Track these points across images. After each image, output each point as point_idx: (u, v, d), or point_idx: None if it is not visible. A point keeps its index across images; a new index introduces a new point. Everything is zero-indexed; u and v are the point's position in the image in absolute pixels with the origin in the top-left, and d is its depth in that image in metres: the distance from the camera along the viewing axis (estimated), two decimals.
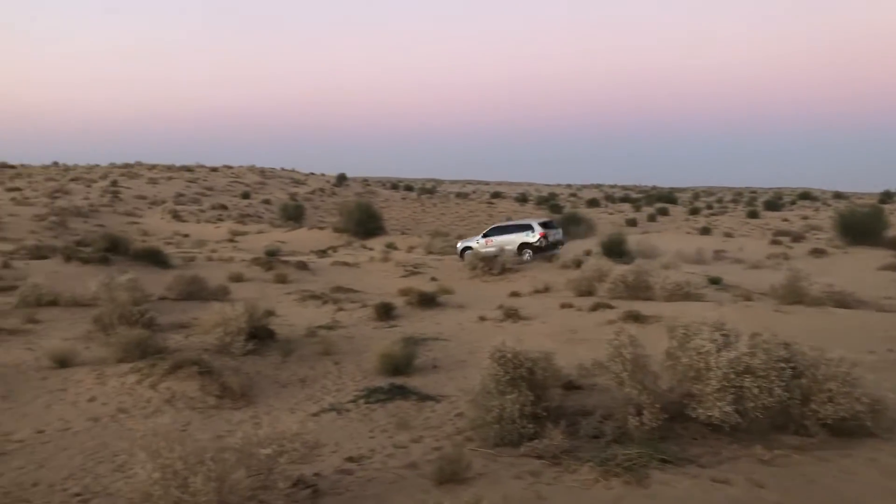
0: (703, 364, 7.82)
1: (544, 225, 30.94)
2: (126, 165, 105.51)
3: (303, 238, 46.91)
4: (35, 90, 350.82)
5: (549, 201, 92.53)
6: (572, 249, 32.49)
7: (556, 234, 31.29)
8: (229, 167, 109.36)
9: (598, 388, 9.69)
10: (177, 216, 57.22)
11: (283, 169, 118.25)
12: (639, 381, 7.94)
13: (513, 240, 30.27)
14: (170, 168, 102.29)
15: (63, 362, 11.70)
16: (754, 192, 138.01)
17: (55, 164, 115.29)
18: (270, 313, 15.46)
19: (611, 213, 78.53)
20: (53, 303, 17.76)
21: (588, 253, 29.94)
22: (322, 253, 37.31)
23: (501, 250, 29.19)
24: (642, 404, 7.77)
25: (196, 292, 20.18)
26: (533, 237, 29.66)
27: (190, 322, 16.10)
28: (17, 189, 68.69)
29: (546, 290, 21.50)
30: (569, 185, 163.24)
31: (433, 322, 16.81)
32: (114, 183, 74.69)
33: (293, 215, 58.83)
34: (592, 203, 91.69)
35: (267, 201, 76.81)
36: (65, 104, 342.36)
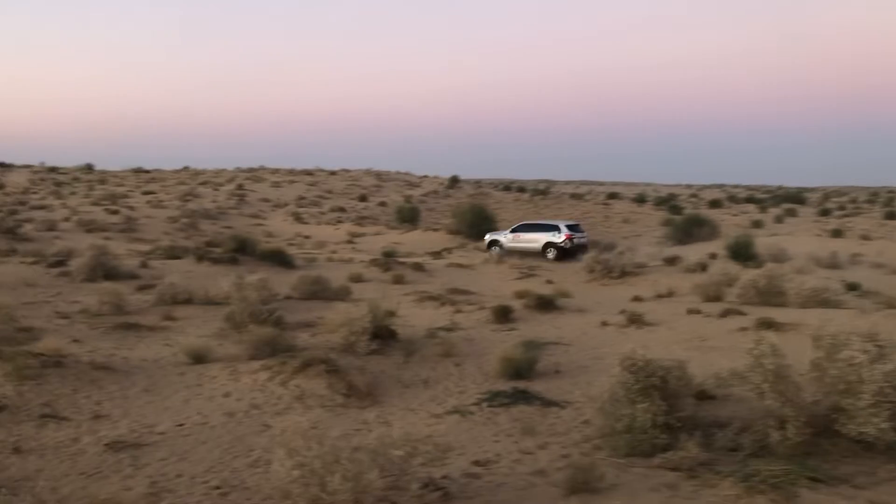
0: (854, 377, 7.28)
1: (571, 228, 32.20)
2: (251, 170, 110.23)
3: (417, 240, 47.52)
4: (167, 97, 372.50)
5: (668, 202, 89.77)
6: (694, 252, 31.41)
7: (582, 238, 32.37)
8: (347, 171, 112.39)
9: (733, 398, 9.23)
10: (298, 218, 59.23)
11: (397, 172, 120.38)
12: (781, 393, 7.50)
13: (539, 238, 31.74)
14: (291, 172, 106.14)
15: (199, 358, 12.23)
16: (893, 191, 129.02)
17: (186, 168, 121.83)
18: (391, 314, 15.65)
19: (735, 215, 75.41)
20: (188, 301, 18.69)
21: (713, 256, 28.84)
22: (436, 254, 37.63)
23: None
24: (785, 417, 7.33)
25: (319, 292, 20.75)
26: (559, 238, 31.20)
27: (315, 321, 16.54)
28: (152, 193, 73.00)
29: (670, 294, 20.83)
30: (689, 186, 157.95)
31: (553, 326, 16.56)
32: (240, 186, 78.12)
33: (408, 217, 59.69)
34: (715, 204, 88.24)
35: (383, 203, 78.33)
36: (194, 111, 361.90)
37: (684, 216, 57.61)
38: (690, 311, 17.19)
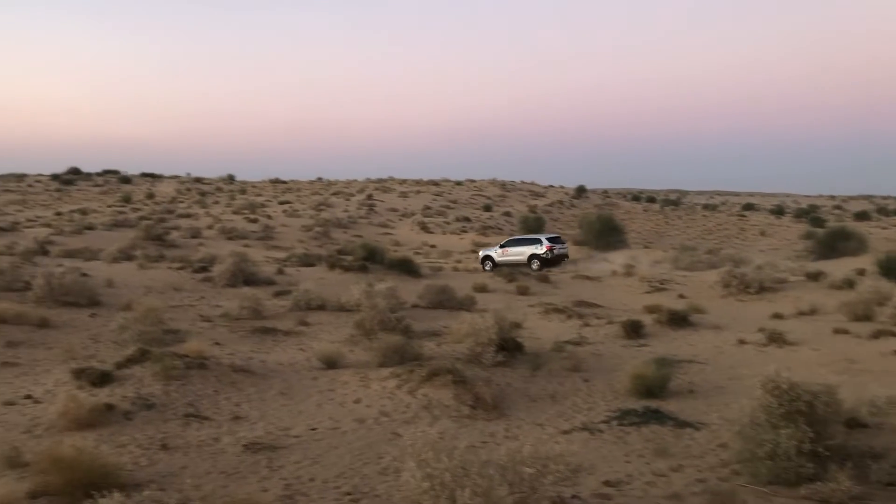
0: None
1: (551, 240, 35.84)
2: (380, 180, 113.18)
3: None
4: (302, 112, 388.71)
5: (808, 214, 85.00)
6: (840, 268, 29.49)
7: (562, 249, 35.77)
8: (472, 181, 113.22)
9: (889, 427, 8.54)
10: (424, 228, 60.17)
11: (522, 182, 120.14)
12: None
13: (524, 251, 34.72)
14: (418, 182, 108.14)
15: (331, 364, 12.59)
16: None
17: (319, 179, 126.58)
18: (517, 325, 15.55)
19: (884, 228, 70.47)
20: (321, 307, 19.31)
21: (861, 272, 26.95)
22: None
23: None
24: None
25: (445, 301, 20.95)
26: (541, 249, 34.34)
27: (441, 330, 16.68)
28: (288, 202, 76.25)
29: (813, 312, 19.60)
30: (832, 196, 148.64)
31: (686, 343, 15.95)
32: (369, 196, 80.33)
33: (533, 227, 59.37)
34: (861, 216, 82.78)
35: (507, 213, 78.35)
36: (328, 125, 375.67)
37: (827, 229, 54.21)
38: (837, 331, 16.12)
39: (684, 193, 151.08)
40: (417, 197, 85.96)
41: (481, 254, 36.50)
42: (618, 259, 37.15)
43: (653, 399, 10.90)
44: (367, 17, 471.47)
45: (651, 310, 19.82)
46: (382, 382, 11.17)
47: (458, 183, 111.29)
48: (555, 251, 34.66)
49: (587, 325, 18.01)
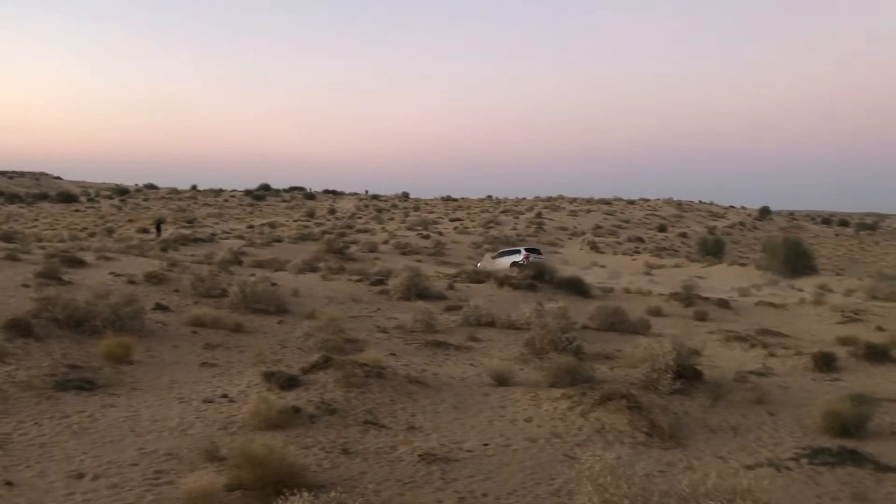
0: None
1: (529, 250, 42.66)
2: (549, 199, 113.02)
3: (722, 274, 45.01)
4: (474, 131, 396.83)
5: None
6: None
7: (539, 258, 40.61)
8: (646, 200, 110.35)
9: None
10: (595, 247, 59.28)
11: (700, 202, 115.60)
12: None
13: (508, 260, 40.65)
14: (589, 201, 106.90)
15: (502, 381, 12.63)
16: None
17: (489, 197, 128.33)
18: (696, 352, 14.88)
19: None
20: (491, 324, 19.47)
21: None
22: (744, 291, 35.26)
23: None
24: None
25: (617, 324, 20.45)
26: (519, 258, 40.55)
27: (613, 353, 16.30)
28: (458, 220, 77.81)
29: None
30: None
31: (887, 380, 14.56)
32: (538, 215, 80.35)
33: (712, 250, 56.87)
34: None
35: (683, 234, 75.58)
36: (498, 143, 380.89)
37: None
38: None
39: (882, 217, 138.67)
40: (587, 216, 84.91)
41: (482, 265, 41.60)
42: (806, 286, 34.78)
43: (848, 439, 10.03)
44: (533, 37, 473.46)
45: (845, 342, 18.28)
46: (554, 403, 11.06)
47: (631, 202, 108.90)
48: (530, 258, 40.45)
49: (772, 355, 16.91)
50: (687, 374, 12.59)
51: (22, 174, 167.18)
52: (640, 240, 67.69)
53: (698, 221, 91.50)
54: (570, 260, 52.14)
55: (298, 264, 31.94)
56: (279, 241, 49.97)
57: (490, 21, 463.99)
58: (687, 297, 27.39)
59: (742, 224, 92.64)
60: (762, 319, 24.13)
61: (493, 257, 42.84)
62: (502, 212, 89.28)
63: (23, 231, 54.03)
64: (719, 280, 41.46)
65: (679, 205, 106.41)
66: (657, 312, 24.36)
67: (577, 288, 27.99)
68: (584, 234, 68.38)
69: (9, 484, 7.06)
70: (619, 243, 64.15)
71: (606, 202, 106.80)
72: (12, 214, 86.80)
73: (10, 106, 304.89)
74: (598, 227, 75.05)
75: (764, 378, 14.02)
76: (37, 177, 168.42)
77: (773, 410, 11.66)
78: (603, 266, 49.34)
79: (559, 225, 74.31)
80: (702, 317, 24.03)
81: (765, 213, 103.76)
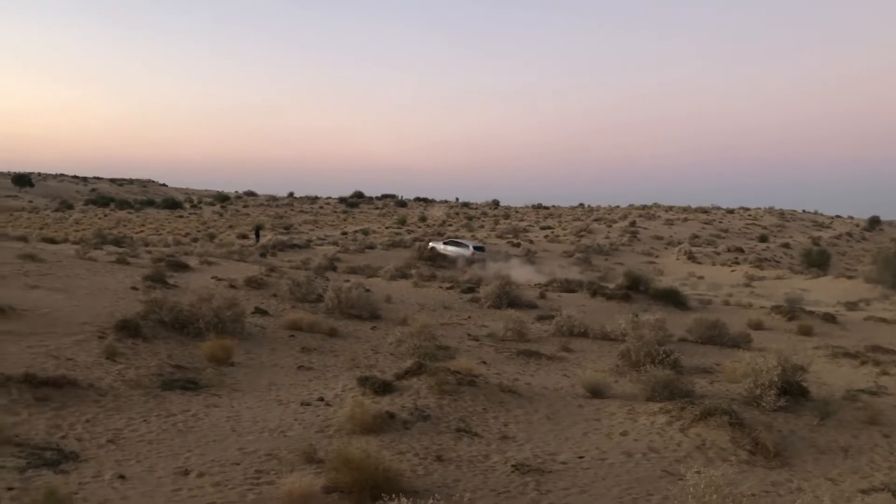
0: None
1: (476, 248, 48.48)
2: (644, 207, 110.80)
3: (827, 287, 42.95)
4: (564, 138, 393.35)
5: None
6: None
7: (481, 255, 47.15)
8: (746, 209, 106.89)
9: None
10: (692, 257, 57.67)
11: (804, 211, 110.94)
12: None
13: (458, 251, 47.21)
14: (685, 210, 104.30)
15: (596, 393, 12.40)
16: None
17: (581, 205, 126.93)
18: (801, 368, 14.21)
19: None
20: (584, 334, 19.18)
21: None
22: (851, 305, 33.54)
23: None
24: None
25: (716, 337, 19.79)
26: (467, 253, 46.80)
27: (713, 368, 15.79)
28: (549, 228, 77.21)
29: None
30: None
31: None
32: (632, 223, 78.80)
33: (816, 261, 54.36)
34: None
35: (786, 245, 72.61)
36: (590, 151, 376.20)
37: None
38: None
39: None
40: (684, 225, 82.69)
41: (432, 245, 49.19)
42: None
43: None
44: (627, 40, 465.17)
45: None
46: (651, 417, 10.77)
47: (730, 211, 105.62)
48: (475, 256, 46.60)
49: (885, 373, 15.98)
50: (792, 391, 12.04)
51: (130, 181, 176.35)
52: (740, 250, 65.30)
53: (802, 231, 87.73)
54: (666, 270, 50.90)
55: (390, 271, 32.39)
56: (372, 247, 50.78)
57: (580, 26, 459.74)
58: (790, 310, 26.27)
59: (849, 235, 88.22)
60: (872, 335, 22.88)
61: (444, 243, 50.46)
62: (595, 220, 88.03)
63: (131, 235, 56.82)
64: (824, 293, 39.56)
65: (781, 214, 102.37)
66: (758, 326, 23.49)
67: (673, 299, 27.28)
68: (680, 243, 66.55)
69: (121, 477, 7.38)
70: (718, 253, 62.11)
71: (704, 211, 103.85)
72: (121, 220, 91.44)
73: (120, 116, 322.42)
74: (696, 236, 72.95)
75: (876, 397, 13.24)
76: (144, 184, 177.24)
77: (887, 432, 10.99)
78: (700, 277, 47.93)
79: (654, 234, 72.59)
80: (806, 331, 23.00)
81: (874, 223, 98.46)
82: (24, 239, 35.11)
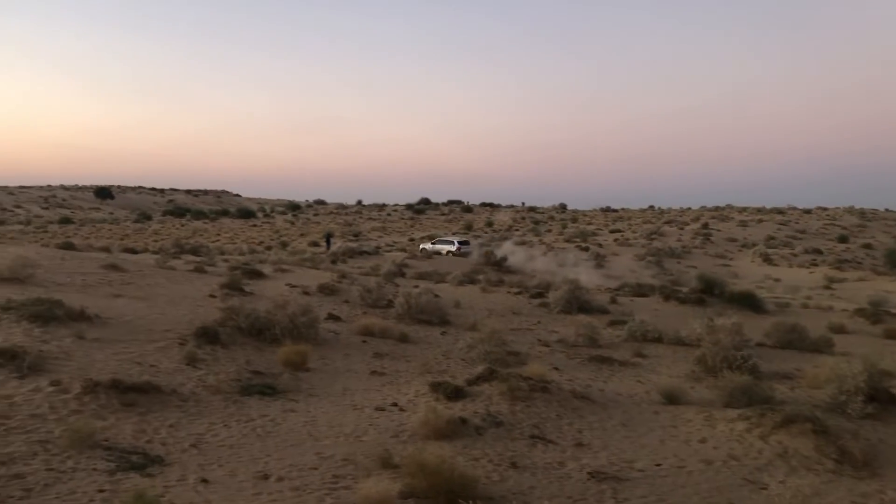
0: None
1: (461, 242, 53.31)
2: (717, 208, 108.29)
3: None
4: (633, 140, 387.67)
5: None
6: None
7: (466, 248, 52.04)
8: (824, 209, 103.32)
9: None
10: (767, 259, 56.04)
11: (886, 210, 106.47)
12: None
13: (444, 248, 52.40)
14: (760, 210, 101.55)
15: (672, 399, 12.16)
16: None
17: (651, 207, 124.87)
18: (890, 374, 13.64)
19: None
20: (657, 339, 18.84)
21: None
22: None
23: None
24: None
25: (795, 341, 19.21)
26: (453, 248, 51.72)
27: (793, 373, 15.31)
28: (619, 231, 76.15)
29: None
30: None
31: None
32: (705, 225, 77.06)
33: None
34: None
35: (868, 245, 69.77)
36: (660, 152, 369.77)
37: None
38: None
39: None
40: (759, 226, 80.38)
41: (426, 246, 55.19)
42: None
43: None
44: (698, 38, 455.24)
45: None
46: (730, 424, 10.49)
47: (807, 211, 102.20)
48: (461, 250, 51.40)
49: None
50: (880, 398, 11.56)
51: (206, 192, 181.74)
52: (819, 251, 63.07)
53: (885, 231, 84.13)
54: (741, 273, 49.60)
55: (458, 276, 32.48)
56: (439, 253, 51.04)
57: (646, 27, 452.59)
58: (874, 313, 25.31)
59: None
60: None
61: (432, 243, 55.24)
62: (666, 222, 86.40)
63: (207, 245, 58.49)
64: None
65: (862, 213, 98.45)
66: (840, 330, 22.68)
67: (749, 302, 26.57)
68: (755, 245, 64.69)
69: (204, 481, 7.61)
70: (795, 255, 60.11)
71: (780, 211, 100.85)
72: (198, 230, 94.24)
73: (196, 130, 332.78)
74: (771, 237, 70.81)
75: None
76: (218, 194, 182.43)
77: None
78: (777, 279, 46.52)
79: (728, 236, 70.78)
80: (893, 335, 22.07)
81: None
82: (107, 249, 36.58)
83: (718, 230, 74.56)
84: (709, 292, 27.29)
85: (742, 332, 18.51)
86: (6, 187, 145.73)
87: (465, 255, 50.87)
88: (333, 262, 41.67)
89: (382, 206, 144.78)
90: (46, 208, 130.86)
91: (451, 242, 53.46)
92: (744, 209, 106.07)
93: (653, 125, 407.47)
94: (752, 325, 21.76)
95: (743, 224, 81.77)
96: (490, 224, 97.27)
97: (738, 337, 17.64)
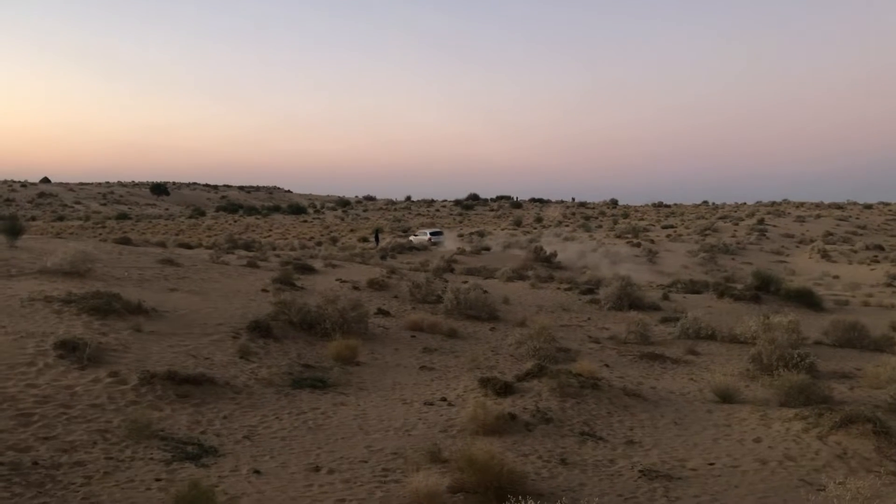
0: None
1: (433, 233, 57.60)
2: (773, 204, 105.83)
3: None
4: (685, 136, 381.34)
5: None
6: None
7: (438, 238, 56.24)
8: (886, 204, 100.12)
9: None
10: (826, 256, 54.56)
11: None
12: None
13: (421, 238, 55.59)
14: (818, 206, 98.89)
15: (726, 397, 11.93)
16: None
17: (705, 203, 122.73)
18: None
19: None
20: (711, 337, 18.51)
21: None
22: None
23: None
24: None
25: (855, 340, 18.69)
26: (425, 238, 55.43)
27: (853, 373, 14.89)
28: (672, 227, 74.95)
29: None
30: None
31: None
32: (760, 221, 75.31)
33: None
34: None
35: None
36: (712, 148, 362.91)
37: None
38: None
39: None
40: (817, 222, 78.24)
41: (411, 238, 57.38)
42: None
43: None
44: (750, 40, 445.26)
45: None
46: (786, 423, 10.25)
47: (868, 206, 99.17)
48: (432, 240, 54.85)
49: None
50: None
51: (258, 188, 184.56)
52: (880, 248, 61.01)
53: None
54: (798, 270, 48.37)
55: (507, 272, 32.37)
56: (487, 249, 50.91)
57: (699, 21, 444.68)
58: None
59: None
60: None
61: (415, 235, 58.66)
62: (720, 218, 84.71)
63: (260, 240, 59.38)
64: None
65: None
66: None
67: (807, 300, 25.93)
68: (813, 241, 62.97)
69: (257, 472, 7.73)
70: (855, 251, 58.31)
71: (839, 206, 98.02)
72: (250, 225, 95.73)
73: (247, 126, 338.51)
74: (830, 233, 68.83)
75: None
76: (270, 191, 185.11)
77: None
78: (836, 276, 45.23)
79: (784, 232, 69.01)
80: None
81: None
82: (162, 244, 37.42)
83: (774, 226, 72.73)
84: (764, 289, 26.71)
85: (799, 330, 18.11)
86: (67, 184, 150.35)
87: (437, 244, 54.41)
88: (382, 257, 41.93)
89: (431, 202, 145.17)
90: (105, 204, 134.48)
91: (426, 234, 58.43)
92: (801, 204, 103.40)
93: (708, 119, 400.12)
94: (810, 323, 21.23)
95: (800, 219, 79.68)
96: (539, 220, 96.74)
97: (795, 335, 17.28)
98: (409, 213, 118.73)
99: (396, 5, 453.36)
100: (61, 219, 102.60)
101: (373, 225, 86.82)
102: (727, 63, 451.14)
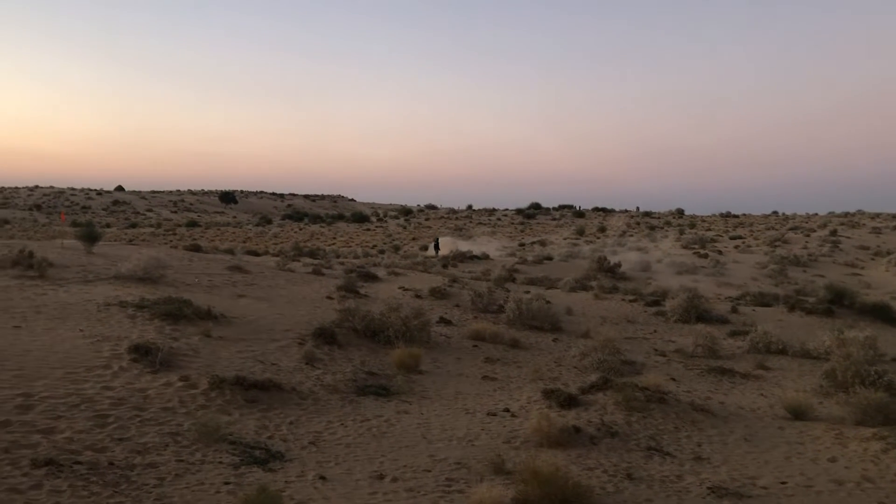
0: None
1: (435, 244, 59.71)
2: (846, 214, 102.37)
3: None
4: (754, 143, 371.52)
5: None
6: None
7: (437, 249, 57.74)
8: None
9: None
10: None
11: None
12: None
13: (431, 250, 59.14)
14: (895, 217, 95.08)
15: (798, 414, 11.55)
16: None
17: (775, 213, 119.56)
18: None
19: None
20: (782, 351, 17.98)
21: None
22: None
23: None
24: None
25: None
26: (431, 249, 59.28)
27: None
28: (740, 238, 73.20)
29: None
30: None
31: None
32: (833, 232, 72.92)
33: None
34: None
35: None
36: (783, 156, 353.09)
37: None
38: None
39: None
40: (894, 233, 75.32)
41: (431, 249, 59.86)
42: None
43: None
44: (822, 44, 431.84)
45: None
46: (864, 443, 9.86)
47: None
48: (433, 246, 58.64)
49: None
50: None
51: (322, 197, 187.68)
52: None
53: None
54: (874, 283, 46.52)
55: (570, 282, 32.07)
56: (549, 258, 50.51)
57: (772, 27, 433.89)
58: None
59: None
60: None
61: (427, 249, 62.06)
62: (790, 229, 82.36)
63: (324, 248, 60.26)
64: None
65: None
66: None
67: (884, 314, 24.90)
68: (890, 253, 60.63)
69: (322, 478, 7.82)
70: None
71: None
72: (315, 233, 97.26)
73: (314, 135, 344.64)
74: None
75: None
76: (334, 199, 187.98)
77: None
78: None
79: (859, 243, 66.58)
80: None
81: None
82: (230, 252, 38.31)
83: (848, 237, 70.27)
84: (838, 303, 25.78)
85: (876, 345, 17.41)
86: (139, 192, 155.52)
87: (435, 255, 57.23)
88: (444, 266, 42.02)
89: (492, 211, 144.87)
90: (175, 212, 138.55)
91: (434, 245, 61.55)
92: (876, 215, 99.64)
93: (777, 127, 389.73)
94: (888, 339, 20.40)
95: (876, 231, 76.81)
96: (603, 229, 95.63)
97: (872, 351, 16.63)
98: (471, 222, 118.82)
99: (459, 12, 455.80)
100: (134, 226, 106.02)
101: (434, 234, 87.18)
102: (791, 68, 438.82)
